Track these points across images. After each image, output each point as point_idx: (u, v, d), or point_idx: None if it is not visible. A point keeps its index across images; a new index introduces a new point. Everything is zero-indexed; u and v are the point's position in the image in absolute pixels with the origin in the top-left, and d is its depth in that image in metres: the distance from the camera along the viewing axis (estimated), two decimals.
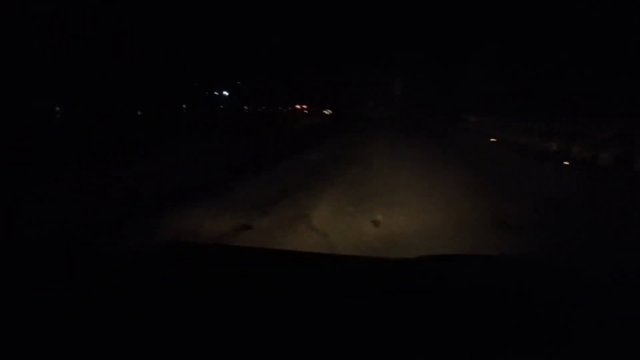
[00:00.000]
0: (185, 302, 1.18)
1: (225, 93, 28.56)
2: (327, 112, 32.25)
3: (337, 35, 37.76)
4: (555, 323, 1.08)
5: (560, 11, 19.34)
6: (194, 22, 20.04)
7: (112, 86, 12.81)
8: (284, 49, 31.67)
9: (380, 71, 43.46)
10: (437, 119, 31.18)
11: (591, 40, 17.17)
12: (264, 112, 24.63)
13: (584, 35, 17.59)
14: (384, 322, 1.08)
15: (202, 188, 6.67)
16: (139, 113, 12.87)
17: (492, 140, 18.32)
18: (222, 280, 1.38)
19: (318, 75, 36.27)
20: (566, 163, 11.41)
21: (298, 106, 28.35)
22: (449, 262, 1.66)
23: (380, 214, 5.05)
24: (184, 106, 15.27)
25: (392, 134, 20.42)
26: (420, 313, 1.13)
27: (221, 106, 19.02)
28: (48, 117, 9.58)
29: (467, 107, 26.82)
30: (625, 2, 15.57)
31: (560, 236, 4.56)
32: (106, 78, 12.50)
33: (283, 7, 29.78)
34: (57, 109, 9.96)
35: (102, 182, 7.00)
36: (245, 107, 22.81)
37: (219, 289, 1.29)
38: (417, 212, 5.33)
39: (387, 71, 44.85)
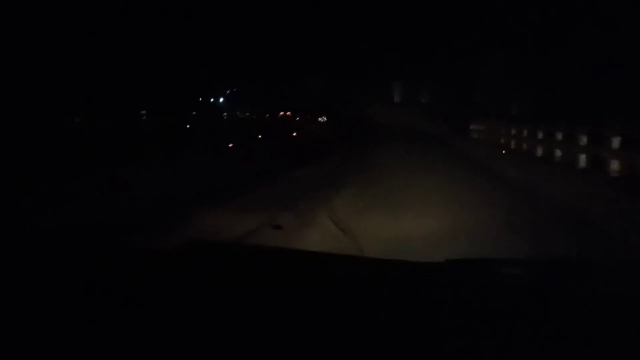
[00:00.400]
0: (205, 300, 1.16)
1: (221, 100, 26.76)
2: (321, 119, 29.89)
3: (336, 40, 35.74)
4: (591, 325, 1.06)
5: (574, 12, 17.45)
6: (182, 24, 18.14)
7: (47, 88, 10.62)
8: (278, 53, 29.80)
9: (380, 77, 41.12)
10: (441, 126, 29.01)
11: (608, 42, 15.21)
12: (252, 119, 22.35)
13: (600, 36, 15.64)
14: (413, 325, 1.06)
15: None
16: (77, 120, 10.53)
17: (503, 152, 16.34)
18: (244, 279, 1.35)
19: (314, 80, 34.20)
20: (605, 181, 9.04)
21: (282, 113, 26.08)
22: (477, 265, 1.62)
23: None
24: (143, 112, 13.05)
25: (392, 147, 18.81)
26: (450, 316, 1.11)
27: (194, 112, 16.80)
28: None
29: (474, 114, 24.71)
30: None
31: None
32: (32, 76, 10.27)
33: (279, 10, 27.87)
34: None
35: None
36: (225, 114, 20.51)
37: (242, 287, 1.27)
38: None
39: (388, 77, 42.51)
